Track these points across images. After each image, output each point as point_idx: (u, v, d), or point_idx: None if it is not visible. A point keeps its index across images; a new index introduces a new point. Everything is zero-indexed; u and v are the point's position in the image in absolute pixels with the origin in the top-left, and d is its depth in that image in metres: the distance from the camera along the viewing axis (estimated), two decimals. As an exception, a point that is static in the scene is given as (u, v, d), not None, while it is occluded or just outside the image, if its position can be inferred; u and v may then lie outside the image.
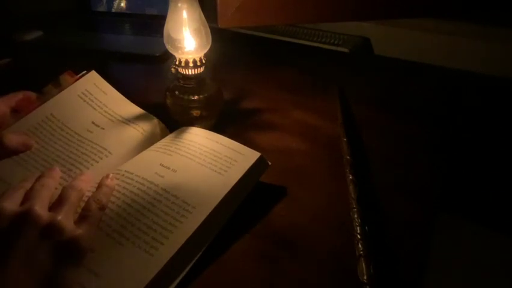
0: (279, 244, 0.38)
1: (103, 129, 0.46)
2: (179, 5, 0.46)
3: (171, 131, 0.49)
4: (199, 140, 0.45)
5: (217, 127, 0.51)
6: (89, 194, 0.37)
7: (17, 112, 0.45)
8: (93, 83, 0.50)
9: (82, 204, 0.36)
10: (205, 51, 0.49)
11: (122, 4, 0.96)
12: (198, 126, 0.48)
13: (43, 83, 0.48)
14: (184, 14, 0.47)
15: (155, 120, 0.51)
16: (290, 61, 0.79)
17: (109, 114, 0.48)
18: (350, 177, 0.44)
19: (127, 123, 0.48)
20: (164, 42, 0.48)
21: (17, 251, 0.29)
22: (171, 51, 0.49)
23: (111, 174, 0.39)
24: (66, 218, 0.32)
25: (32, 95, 0.46)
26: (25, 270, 0.29)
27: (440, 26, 0.77)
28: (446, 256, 0.76)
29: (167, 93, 0.51)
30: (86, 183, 0.38)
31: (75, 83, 0.48)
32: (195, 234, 0.34)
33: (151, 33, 0.86)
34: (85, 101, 0.48)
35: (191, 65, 0.48)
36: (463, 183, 0.77)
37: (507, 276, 0.76)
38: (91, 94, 0.49)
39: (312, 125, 0.56)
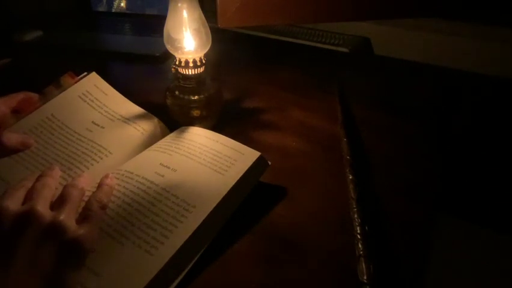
0: (279, 244, 0.38)
1: (103, 128, 0.46)
2: (179, 5, 0.46)
3: (171, 131, 0.49)
4: (199, 139, 0.45)
5: (217, 127, 0.51)
6: (89, 193, 0.37)
7: (18, 112, 0.45)
8: (93, 84, 0.50)
9: (83, 204, 0.36)
10: (205, 51, 0.49)
11: (122, 4, 0.96)
12: (198, 126, 0.48)
13: (43, 83, 0.48)
14: (184, 14, 0.47)
15: (156, 120, 0.51)
16: (290, 61, 0.79)
17: (109, 114, 0.48)
18: (350, 177, 0.44)
19: (127, 123, 0.48)
20: (164, 42, 0.48)
21: (19, 251, 0.29)
22: (171, 51, 0.49)
23: (111, 174, 0.39)
24: (68, 218, 0.32)
25: (33, 95, 0.46)
26: (28, 270, 0.29)
27: (440, 26, 0.77)
28: (446, 256, 0.76)
29: (167, 93, 0.51)
30: (86, 182, 0.38)
31: (76, 84, 0.48)
32: (195, 234, 0.34)
33: (151, 33, 0.86)
34: (85, 101, 0.48)
35: (191, 65, 0.48)
36: (462, 183, 0.77)
37: (507, 276, 0.76)
38: (91, 95, 0.49)
39: (312, 125, 0.56)
